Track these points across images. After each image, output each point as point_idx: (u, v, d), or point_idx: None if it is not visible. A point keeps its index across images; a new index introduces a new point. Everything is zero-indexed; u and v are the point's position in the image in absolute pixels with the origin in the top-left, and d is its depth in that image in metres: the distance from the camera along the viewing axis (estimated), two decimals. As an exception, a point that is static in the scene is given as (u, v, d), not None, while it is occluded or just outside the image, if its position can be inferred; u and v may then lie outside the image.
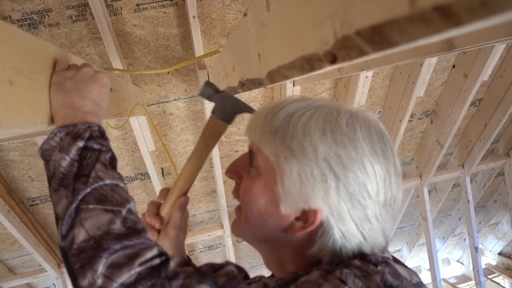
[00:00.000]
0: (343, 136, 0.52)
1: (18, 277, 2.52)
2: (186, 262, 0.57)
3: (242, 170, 0.66)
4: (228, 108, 0.83)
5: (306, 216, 0.55)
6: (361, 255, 0.54)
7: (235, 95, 0.86)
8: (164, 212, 0.81)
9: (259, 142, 0.59)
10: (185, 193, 0.82)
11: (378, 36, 0.23)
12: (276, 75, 0.48)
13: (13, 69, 0.41)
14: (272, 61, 0.48)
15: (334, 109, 0.55)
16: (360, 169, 0.51)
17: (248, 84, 0.73)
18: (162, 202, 0.83)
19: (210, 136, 0.83)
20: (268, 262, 0.69)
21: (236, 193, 0.67)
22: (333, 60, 0.30)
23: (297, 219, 0.56)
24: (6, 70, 0.39)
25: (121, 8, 1.54)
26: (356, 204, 0.52)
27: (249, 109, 0.88)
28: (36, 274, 2.51)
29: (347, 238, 0.54)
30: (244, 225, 0.64)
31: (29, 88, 0.45)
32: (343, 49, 0.28)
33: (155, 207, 0.82)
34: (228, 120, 0.82)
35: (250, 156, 0.63)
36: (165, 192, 0.84)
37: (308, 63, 0.36)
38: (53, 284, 2.85)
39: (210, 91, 0.82)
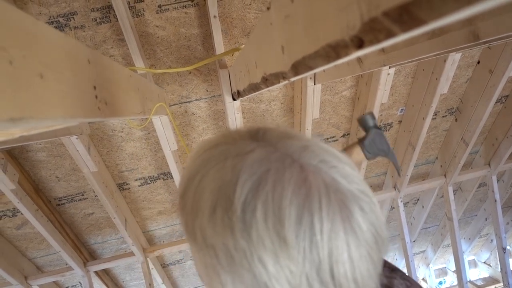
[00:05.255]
0: (234, 219, 0.36)
1: (45, 275, 2.58)
2: None
3: None
4: (376, 145, 0.84)
5: None
6: None
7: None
8: None
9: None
10: None
11: (406, 15, 0.23)
12: (301, 66, 0.48)
13: (42, 63, 0.42)
14: (296, 52, 0.48)
15: (237, 170, 0.38)
16: (256, 266, 0.36)
17: (271, 79, 0.73)
18: None
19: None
20: None
21: None
22: (360, 44, 0.30)
23: None
24: (37, 64, 0.40)
25: (143, 10, 1.57)
26: None
27: (391, 155, 0.88)
28: (63, 273, 2.57)
29: None
30: None
31: (57, 82, 0.46)
32: (371, 32, 0.28)
33: None
34: (370, 155, 0.83)
35: None
36: None
37: (334, 51, 0.36)
38: (79, 282, 2.92)
39: (370, 122, 0.83)
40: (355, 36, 0.30)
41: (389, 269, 0.59)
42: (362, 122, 0.85)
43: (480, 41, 0.69)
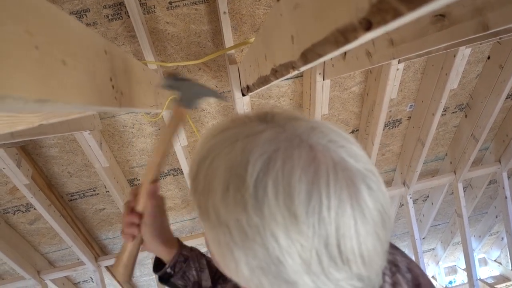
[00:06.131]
0: (247, 196, 0.38)
1: (58, 270, 2.62)
2: None
3: None
4: (192, 94, 0.85)
5: None
6: None
7: (267, 83, 0.88)
8: (139, 206, 0.84)
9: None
10: (156, 181, 0.85)
11: (412, -7, 0.24)
12: (310, 54, 0.50)
13: (65, 51, 0.44)
14: (306, 41, 0.50)
15: (248, 150, 0.40)
16: (270, 241, 0.37)
17: (280, 70, 0.74)
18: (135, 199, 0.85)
19: (176, 125, 0.85)
20: None
21: None
22: (368, 27, 0.32)
23: None
24: (60, 51, 0.42)
25: (154, 6, 1.59)
26: (276, 282, 0.39)
27: (212, 93, 0.90)
28: (75, 267, 2.61)
29: None
30: None
31: (78, 70, 0.49)
32: (378, 14, 0.29)
33: (129, 207, 0.84)
34: (191, 106, 0.84)
35: None
36: (134, 190, 0.86)
37: (342, 36, 0.37)
38: (91, 277, 2.96)
39: (172, 80, 0.85)
40: (363, 18, 0.31)
41: (391, 246, 0.60)
42: (166, 86, 0.86)
43: (489, 31, 0.70)
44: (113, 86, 0.62)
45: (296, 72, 0.67)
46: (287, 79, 1.95)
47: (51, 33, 0.39)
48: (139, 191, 0.84)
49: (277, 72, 0.79)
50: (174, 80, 0.85)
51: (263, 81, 0.99)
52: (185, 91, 0.85)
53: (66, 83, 0.42)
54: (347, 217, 0.37)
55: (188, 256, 0.90)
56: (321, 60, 0.50)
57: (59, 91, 0.41)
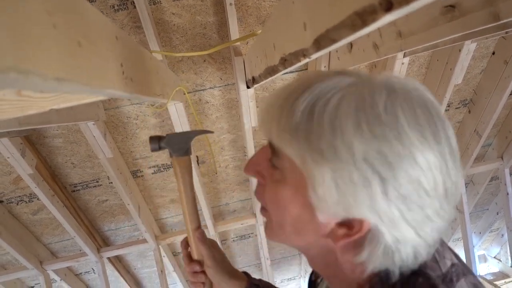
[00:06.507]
0: (384, 127, 0.41)
1: (60, 260, 2.63)
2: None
3: (264, 168, 0.56)
4: (179, 143, 0.91)
5: (349, 222, 0.47)
6: (422, 267, 0.49)
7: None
8: (195, 255, 0.91)
9: (279, 142, 0.49)
10: (198, 227, 0.91)
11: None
12: (324, 40, 0.50)
13: (80, 32, 0.44)
14: (320, 26, 0.49)
15: (366, 88, 0.45)
16: (411, 164, 0.41)
17: (290, 59, 0.74)
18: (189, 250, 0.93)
19: (184, 174, 0.90)
20: (313, 263, 0.62)
21: (260, 194, 0.58)
22: (389, 7, 0.32)
23: (339, 225, 0.48)
24: (76, 33, 0.42)
25: (160, -3, 1.59)
26: (412, 206, 0.43)
27: (197, 132, 0.97)
28: (77, 258, 2.62)
29: (403, 243, 0.46)
30: (278, 231, 0.57)
31: (92, 53, 0.49)
32: (401, -7, 0.29)
33: (188, 257, 0.92)
34: (186, 152, 0.90)
35: (272, 154, 0.53)
36: (184, 242, 0.94)
37: (360, 18, 0.37)
38: (92, 269, 2.97)
39: (156, 142, 0.91)
40: (384, -1, 0.31)
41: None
42: (155, 148, 0.94)
43: (500, 22, 0.70)
44: (123, 72, 0.63)
45: (307, 60, 0.67)
46: (291, 72, 1.95)
47: (68, 14, 0.39)
48: (189, 241, 0.91)
49: (286, 61, 0.79)
50: (157, 141, 0.91)
51: (271, 71, 0.99)
52: (172, 145, 0.90)
53: (81, 64, 0.43)
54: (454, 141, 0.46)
55: (259, 284, 0.94)
56: (335, 46, 0.50)
57: (76, 71, 0.41)
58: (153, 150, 0.91)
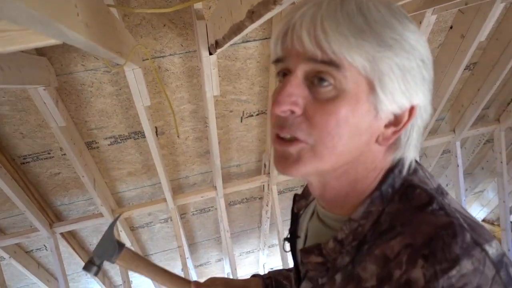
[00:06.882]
0: (406, 19, 0.52)
1: (9, 236, 2.50)
2: None
3: (301, 97, 0.54)
4: (107, 248, 0.95)
5: (396, 119, 0.55)
6: (417, 182, 0.58)
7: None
8: None
9: (344, 51, 0.49)
10: (189, 284, 0.98)
11: None
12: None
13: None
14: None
15: None
16: (423, 46, 0.54)
17: (258, 10, 0.70)
18: None
19: (138, 265, 0.96)
20: (326, 188, 0.62)
21: (296, 126, 0.54)
22: None
23: (387, 126, 0.55)
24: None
25: (115, -47, 1.48)
26: (430, 85, 0.56)
27: (112, 225, 1.03)
28: (28, 234, 2.49)
29: (420, 124, 0.58)
30: (319, 155, 0.54)
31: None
32: None
33: None
34: (120, 248, 0.95)
35: (318, 75, 0.52)
36: None
37: None
38: (44, 245, 2.85)
39: (91, 264, 0.99)
40: None
41: None
42: (93, 270, 1.01)
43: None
44: (78, 14, 0.56)
45: (277, 9, 0.64)
46: (254, 40, 1.90)
47: None
48: None
49: (253, 14, 0.75)
50: (91, 263, 0.95)
51: (236, 29, 0.95)
52: (104, 255, 0.94)
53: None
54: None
55: (270, 276, 1.03)
56: None
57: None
58: (96, 273, 0.96)
